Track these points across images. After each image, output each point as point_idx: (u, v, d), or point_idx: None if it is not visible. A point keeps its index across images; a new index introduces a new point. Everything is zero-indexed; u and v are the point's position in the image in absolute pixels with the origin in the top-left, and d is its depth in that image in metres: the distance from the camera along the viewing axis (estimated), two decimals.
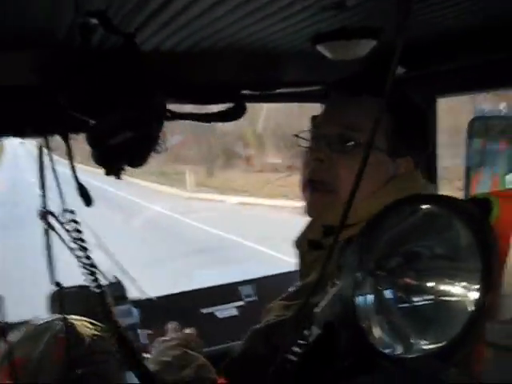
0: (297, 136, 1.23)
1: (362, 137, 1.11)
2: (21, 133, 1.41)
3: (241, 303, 2.09)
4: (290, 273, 2.15)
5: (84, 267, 1.45)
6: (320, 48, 1.31)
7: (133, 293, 1.77)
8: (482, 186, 1.89)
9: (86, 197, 1.25)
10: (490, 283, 0.69)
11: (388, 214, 0.79)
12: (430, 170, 1.72)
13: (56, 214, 1.66)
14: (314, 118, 1.34)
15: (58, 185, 1.36)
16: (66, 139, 1.29)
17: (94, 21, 0.98)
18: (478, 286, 0.70)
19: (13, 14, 1.00)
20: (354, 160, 1.11)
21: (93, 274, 1.44)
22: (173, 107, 1.25)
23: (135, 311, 1.60)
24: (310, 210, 1.18)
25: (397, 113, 1.15)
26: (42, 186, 1.77)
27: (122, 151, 1.13)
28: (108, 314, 1.58)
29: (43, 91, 1.22)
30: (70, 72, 1.13)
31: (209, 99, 1.40)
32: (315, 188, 1.15)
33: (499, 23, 1.25)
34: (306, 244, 1.19)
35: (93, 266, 1.45)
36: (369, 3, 1.07)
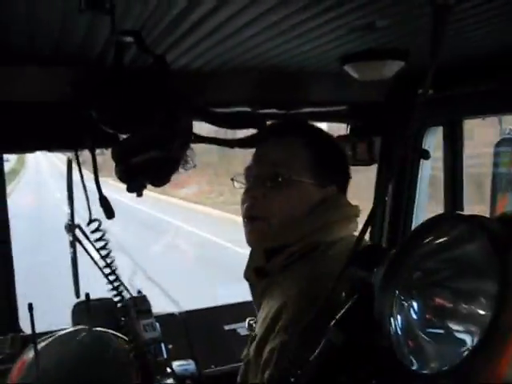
0: (232, 180, 1.35)
1: (288, 172, 1.23)
2: (51, 147, 1.45)
3: None
4: None
5: (108, 280, 1.47)
6: (348, 68, 1.33)
7: (157, 307, 1.79)
8: (508, 209, 1.87)
9: (108, 209, 1.27)
10: (506, 304, 0.69)
11: (419, 234, 0.80)
12: (454, 192, 1.72)
13: (83, 228, 1.70)
14: (340, 138, 1.39)
15: (87, 198, 1.38)
16: (92, 153, 1.32)
17: (129, 39, 1.01)
18: (495, 306, 0.70)
19: (51, 33, 1.04)
20: (283, 192, 1.23)
21: (117, 287, 1.46)
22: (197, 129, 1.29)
23: (158, 326, 1.61)
24: (249, 238, 1.29)
25: (316, 148, 1.27)
26: (70, 200, 1.81)
27: (145, 169, 1.15)
28: (130, 326, 1.60)
29: (74, 106, 1.25)
30: (102, 88, 1.16)
31: (232, 124, 1.43)
32: (251, 220, 1.27)
33: None
34: (253, 274, 1.29)
35: (117, 279, 1.47)
36: (398, 25, 1.08)
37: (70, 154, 1.63)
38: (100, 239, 1.42)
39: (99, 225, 1.40)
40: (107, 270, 1.43)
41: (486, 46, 1.28)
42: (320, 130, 1.34)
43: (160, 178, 1.19)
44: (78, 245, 1.67)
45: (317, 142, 1.28)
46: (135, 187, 1.19)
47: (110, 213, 1.29)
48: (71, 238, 1.73)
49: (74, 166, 1.61)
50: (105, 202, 1.28)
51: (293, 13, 0.97)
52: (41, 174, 28.44)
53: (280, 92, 1.55)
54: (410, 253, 0.76)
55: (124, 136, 1.19)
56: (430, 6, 0.56)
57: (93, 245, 1.68)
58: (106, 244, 1.42)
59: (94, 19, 0.96)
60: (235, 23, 1.02)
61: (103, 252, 1.41)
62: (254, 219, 1.25)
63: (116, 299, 1.52)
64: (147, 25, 1.02)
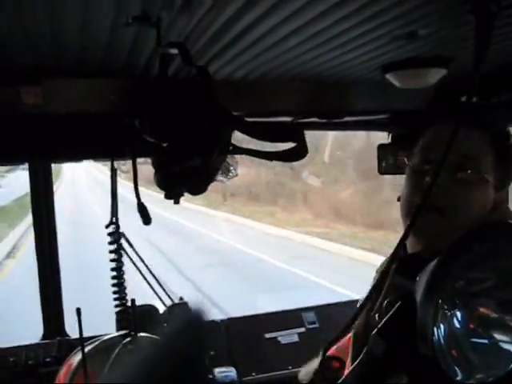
0: (407, 156, 1.23)
1: (477, 167, 1.14)
2: (96, 156, 1.49)
3: (303, 330, 2.09)
4: (349, 302, 2.14)
5: (151, 286, 1.49)
6: (389, 77, 1.32)
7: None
8: None
9: (145, 215, 1.29)
10: None
11: (463, 242, 0.79)
12: None
13: (127, 236, 1.74)
14: (384, 146, 1.33)
15: (116, 204, 1.41)
16: (133, 161, 1.35)
17: (174, 51, 1.04)
18: None
19: (99, 46, 1.08)
20: (468, 188, 1.14)
21: (160, 292, 1.49)
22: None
23: None
24: (421, 234, 1.14)
25: (500, 146, 1.18)
26: (114, 208, 1.85)
27: (184, 178, 1.17)
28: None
29: (119, 117, 1.29)
30: (147, 99, 1.19)
31: (272, 137, 1.42)
32: (427, 210, 1.10)
33: None
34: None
35: (160, 285, 1.50)
36: (440, 32, 1.07)
37: (116, 163, 1.67)
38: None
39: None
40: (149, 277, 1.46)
41: None
42: (504, 128, 1.25)
43: (198, 187, 1.21)
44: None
45: (502, 140, 1.20)
46: (173, 195, 1.21)
47: (146, 219, 1.31)
48: (115, 246, 1.78)
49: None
50: (142, 208, 1.31)
51: (335, 22, 0.97)
52: (78, 187, 27.11)
53: (322, 101, 1.55)
54: (454, 261, 0.75)
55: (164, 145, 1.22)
56: (472, 14, 0.55)
57: (136, 253, 1.72)
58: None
59: (140, 32, 0.99)
60: (278, 33, 1.03)
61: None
62: (431, 210, 1.12)
63: (157, 305, 1.54)
64: (191, 36, 1.04)
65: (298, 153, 1.29)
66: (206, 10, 0.90)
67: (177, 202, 1.23)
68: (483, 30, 0.55)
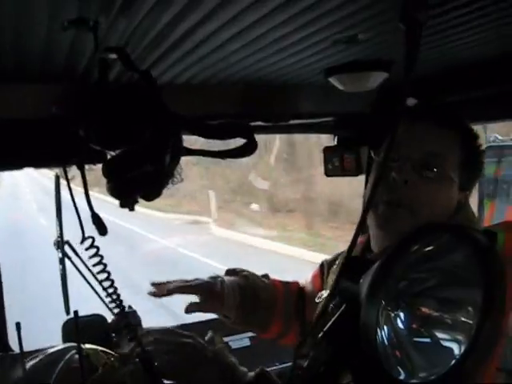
0: (373, 149, 1.23)
1: (443, 165, 1.15)
2: (39, 163, 1.45)
3: (254, 334, 2.09)
4: None
5: (98, 295, 1.45)
6: (332, 80, 1.34)
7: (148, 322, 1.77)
8: (497, 216, 1.89)
9: (100, 226, 1.26)
10: (490, 313, 0.70)
11: (404, 244, 0.80)
12: None
13: (72, 245, 1.69)
14: (330, 148, 1.35)
15: (78, 213, 1.38)
16: (81, 169, 1.32)
17: (113, 56, 1.02)
18: (480, 315, 0.71)
19: (35, 50, 1.04)
20: (434, 186, 1.14)
21: (113, 301, 1.45)
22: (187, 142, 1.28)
23: None
24: (387, 225, 1.16)
25: (467, 147, 1.19)
26: (59, 216, 1.80)
27: (137, 184, 1.15)
28: (120, 343, 1.58)
29: (62, 123, 1.25)
30: (86, 106, 1.16)
31: (221, 135, 1.42)
32: (393, 206, 1.14)
33: (511, 54, 1.26)
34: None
35: (111, 294, 1.45)
36: (380, 37, 1.09)
37: (58, 170, 1.63)
38: (95, 255, 1.41)
39: (93, 241, 1.39)
40: (105, 284, 1.42)
41: (471, 55, 1.30)
42: (472, 129, 1.25)
43: (152, 193, 1.19)
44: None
45: (470, 140, 1.20)
46: (127, 203, 1.19)
47: (102, 229, 1.28)
48: (60, 255, 1.73)
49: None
50: (96, 219, 1.28)
51: (275, 27, 0.98)
52: (20, 194, 26.65)
53: (266, 105, 1.56)
54: (395, 263, 0.76)
55: (112, 152, 1.19)
56: (401, 23, 0.56)
57: (82, 260, 1.68)
58: (101, 259, 1.41)
59: (77, 37, 0.96)
60: (219, 37, 1.03)
61: (99, 267, 1.40)
62: (397, 206, 1.14)
63: (116, 312, 1.50)
64: (131, 40, 1.02)
65: (248, 148, 1.29)
66: (145, 14, 0.89)
67: (132, 209, 1.21)
68: (412, 38, 0.56)
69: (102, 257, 1.40)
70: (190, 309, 1.43)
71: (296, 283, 1.58)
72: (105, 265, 1.40)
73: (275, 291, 1.50)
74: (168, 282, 1.42)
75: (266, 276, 1.56)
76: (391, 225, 1.15)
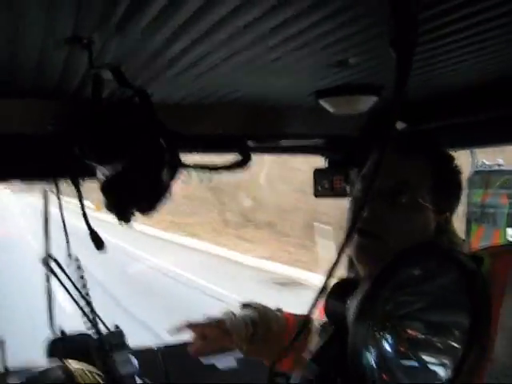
0: (347, 183, 1.24)
1: (413, 192, 1.16)
2: (31, 178, 1.45)
3: (240, 355, 2.07)
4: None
5: (84, 314, 1.45)
6: (323, 103, 1.35)
7: (133, 342, 1.76)
8: (484, 240, 1.90)
9: (98, 241, 1.27)
10: (476, 337, 0.70)
11: (392, 266, 0.80)
12: None
13: (59, 261, 1.68)
14: (320, 170, 1.38)
15: (65, 229, 1.37)
16: (76, 185, 1.32)
17: (107, 74, 1.02)
18: (466, 339, 0.71)
19: (29, 67, 1.05)
20: (404, 214, 1.15)
21: (93, 320, 1.44)
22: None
23: (134, 360, 1.59)
24: (359, 255, 1.18)
25: (438, 169, 1.20)
26: (46, 232, 1.79)
27: (134, 199, 1.15)
28: (105, 361, 1.57)
29: (55, 139, 1.26)
30: (82, 122, 1.17)
31: (216, 149, 1.44)
32: (365, 235, 1.16)
33: (499, 80, 1.29)
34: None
35: (93, 312, 1.45)
36: (371, 61, 1.11)
37: (46, 186, 1.62)
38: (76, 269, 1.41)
39: (76, 258, 1.39)
40: (82, 303, 1.42)
41: (460, 81, 1.32)
42: (443, 151, 1.26)
43: (149, 208, 1.19)
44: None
45: (442, 163, 1.21)
46: (124, 217, 1.19)
47: (99, 244, 1.28)
48: (47, 272, 1.71)
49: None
50: (94, 236, 1.28)
51: (267, 49, 0.99)
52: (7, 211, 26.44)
53: (258, 125, 1.57)
54: (382, 285, 0.76)
55: (104, 170, 1.19)
56: (392, 46, 0.58)
57: (69, 278, 1.67)
58: (82, 276, 1.40)
59: (71, 54, 0.97)
60: (212, 58, 1.04)
61: (78, 284, 1.39)
62: (368, 235, 1.16)
63: (91, 332, 1.49)
64: (126, 58, 1.03)
65: (243, 162, 1.31)
66: (139, 34, 0.89)
67: (128, 222, 1.21)
68: (402, 63, 0.57)
69: (82, 275, 1.40)
70: (197, 352, 1.47)
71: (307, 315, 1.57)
72: (85, 285, 1.40)
73: (286, 324, 1.52)
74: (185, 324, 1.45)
75: (279, 310, 1.58)
76: (364, 255, 1.17)
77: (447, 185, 1.21)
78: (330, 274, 0.80)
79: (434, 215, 1.18)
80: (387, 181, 1.17)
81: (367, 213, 1.16)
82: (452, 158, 1.25)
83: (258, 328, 1.45)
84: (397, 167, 1.19)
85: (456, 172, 1.25)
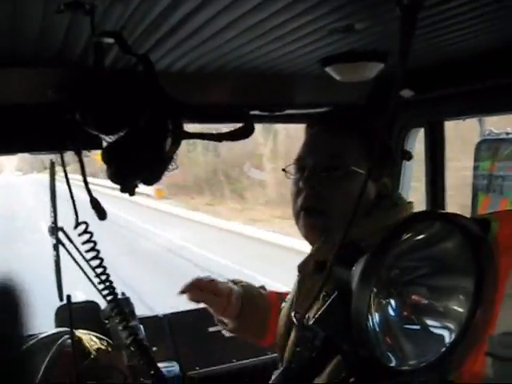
0: (284, 170, 1.33)
1: (347, 164, 1.23)
2: (35, 148, 1.44)
3: None
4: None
5: (100, 280, 1.45)
6: (329, 70, 1.34)
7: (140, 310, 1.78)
8: (491, 210, 1.89)
9: (100, 210, 1.27)
10: (481, 299, 0.71)
11: (396, 232, 0.80)
12: (436, 192, 1.73)
13: (66, 231, 1.69)
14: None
15: (73, 199, 1.38)
16: (79, 155, 1.32)
17: (109, 41, 1.01)
18: (469, 302, 0.72)
19: (31, 34, 1.04)
20: (341, 185, 1.22)
21: (105, 287, 1.45)
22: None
23: (142, 328, 1.61)
24: (307, 232, 1.26)
25: (366, 140, 1.25)
26: (53, 202, 1.79)
27: (137, 170, 1.15)
28: (113, 329, 1.59)
29: (58, 108, 1.25)
30: (84, 90, 1.16)
31: (219, 119, 1.43)
32: (309, 213, 1.24)
33: (506, 47, 1.27)
34: (311, 266, 1.26)
35: (106, 280, 1.45)
36: (377, 27, 1.09)
37: (54, 156, 1.62)
38: (88, 241, 1.41)
39: (86, 227, 1.39)
40: (98, 271, 1.42)
41: (467, 47, 1.30)
42: (369, 122, 1.33)
43: (152, 178, 1.19)
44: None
45: (369, 133, 1.27)
46: (128, 188, 1.19)
47: (101, 214, 1.29)
48: (54, 241, 1.73)
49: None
50: (95, 204, 1.29)
51: (271, 15, 0.97)
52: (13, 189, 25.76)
53: (262, 94, 1.55)
54: (387, 251, 0.77)
55: (108, 139, 1.19)
56: (397, 6, 0.56)
57: (76, 247, 1.68)
58: (94, 245, 1.41)
59: (73, 20, 0.96)
60: (215, 25, 1.03)
61: (92, 253, 1.40)
62: (312, 212, 1.23)
63: (109, 299, 1.50)
64: (128, 25, 1.02)
65: (246, 131, 1.31)
66: (141, 0, 0.88)
67: (132, 194, 1.21)
68: (407, 24, 0.56)
69: (95, 243, 1.40)
70: (194, 296, 1.45)
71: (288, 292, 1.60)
72: (98, 251, 1.41)
73: (270, 301, 1.55)
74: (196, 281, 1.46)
75: (262, 287, 1.63)
76: (312, 231, 1.24)
77: (379, 153, 1.24)
78: (344, 238, 0.81)
79: (371, 183, 1.24)
80: (321, 158, 1.24)
81: (306, 190, 1.23)
82: (379, 131, 1.30)
83: (244, 306, 1.48)
84: (329, 143, 1.27)
85: (385, 144, 1.34)
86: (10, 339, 0.33)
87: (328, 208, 1.21)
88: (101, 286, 1.44)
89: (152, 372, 1.49)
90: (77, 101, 1.15)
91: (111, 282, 1.44)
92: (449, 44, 1.26)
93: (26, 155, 1.57)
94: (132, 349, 1.46)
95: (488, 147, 1.82)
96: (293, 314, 1.01)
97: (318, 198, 1.22)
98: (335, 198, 1.21)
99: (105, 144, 1.20)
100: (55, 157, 1.60)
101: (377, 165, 1.22)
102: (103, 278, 1.42)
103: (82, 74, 1.19)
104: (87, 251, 1.40)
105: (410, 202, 1.29)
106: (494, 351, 0.70)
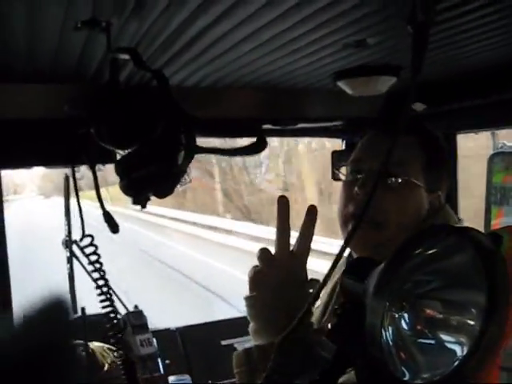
0: (337, 170, 1.25)
1: (406, 172, 1.16)
2: (50, 162, 1.47)
3: None
4: None
5: (103, 294, 1.46)
6: (341, 84, 1.35)
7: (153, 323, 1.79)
8: (506, 223, 1.87)
9: (112, 224, 1.28)
10: (494, 315, 0.71)
11: (408, 246, 0.81)
12: (451, 206, 1.73)
13: (79, 244, 1.70)
14: (338, 152, 1.37)
15: (81, 213, 1.39)
16: (93, 169, 1.33)
17: (125, 57, 1.03)
18: (482, 316, 0.72)
19: (48, 51, 1.06)
20: (398, 195, 1.15)
21: (111, 302, 1.46)
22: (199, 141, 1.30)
23: (155, 341, 1.61)
24: (357, 244, 1.18)
25: (427, 149, 1.20)
26: (67, 216, 1.82)
27: (150, 182, 1.16)
28: (126, 342, 1.59)
29: (73, 123, 1.27)
30: (99, 105, 1.18)
31: (232, 133, 1.44)
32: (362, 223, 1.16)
33: None
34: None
35: (111, 294, 1.46)
36: (389, 41, 1.10)
37: (68, 171, 1.65)
38: (93, 253, 1.42)
39: (92, 239, 1.40)
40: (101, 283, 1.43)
41: (480, 61, 1.31)
42: (431, 131, 1.27)
43: (165, 189, 1.20)
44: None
45: (430, 143, 1.22)
46: (140, 201, 1.20)
47: (114, 227, 1.30)
48: (68, 254, 1.74)
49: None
50: (108, 217, 1.30)
51: (284, 30, 0.99)
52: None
53: (275, 108, 1.57)
54: (400, 264, 0.77)
55: (121, 152, 1.21)
56: (409, 24, 0.57)
57: (89, 260, 1.69)
58: (98, 258, 1.42)
59: (89, 37, 0.98)
60: (230, 39, 1.04)
61: (96, 265, 1.41)
62: (363, 221, 1.15)
63: (108, 312, 1.51)
64: (143, 41, 1.04)
65: (259, 146, 1.32)
66: (157, 16, 0.90)
67: (144, 206, 1.22)
68: (419, 41, 0.57)
69: (99, 256, 1.42)
70: None
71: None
72: (101, 264, 1.42)
73: None
74: None
75: None
76: (357, 241, 1.15)
77: (437, 164, 1.21)
78: (335, 263, 0.81)
79: (426, 195, 1.18)
80: (379, 163, 1.16)
81: (361, 196, 1.15)
82: (437, 138, 1.25)
83: None
84: (385, 150, 1.18)
85: (443, 150, 1.26)
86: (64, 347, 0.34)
87: (381, 220, 1.14)
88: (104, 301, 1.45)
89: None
90: (92, 116, 1.17)
91: (111, 295, 1.45)
92: (462, 58, 1.27)
93: (49, 173, 1.59)
94: (147, 361, 1.46)
95: (501, 160, 1.81)
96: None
97: (372, 207, 1.08)
98: (392, 209, 1.14)
99: (118, 157, 1.21)
100: (69, 171, 1.62)
101: (435, 176, 1.18)
102: (104, 290, 1.43)
103: (98, 90, 1.21)
104: (90, 263, 1.41)
105: (460, 219, 1.22)
106: (508, 365, 0.70)
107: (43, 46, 1.03)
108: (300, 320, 0.78)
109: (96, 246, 1.39)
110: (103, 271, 1.40)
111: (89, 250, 1.41)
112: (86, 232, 1.40)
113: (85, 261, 1.63)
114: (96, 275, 1.39)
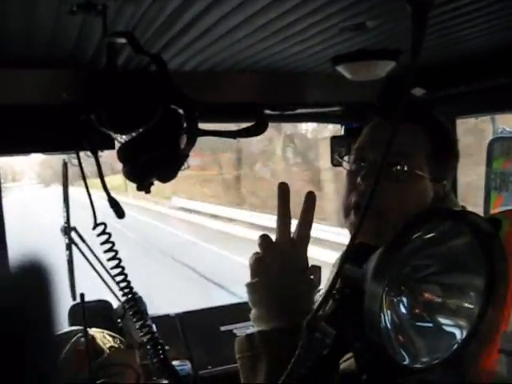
0: (341, 158, 1.23)
1: (410, 163, 1.14)
2: (50, 149, 1.46)
3: None
4: None
5: (115, 281, 1.46)
6: (340, 69, 1.34)
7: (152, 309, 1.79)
8: (504, 208, 1.87)
9: (118, 210, 1.28)
10: (492, 299, 0.71)
11: (407, 230, 0.80)
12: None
13: (78, 231, 1.70)
14: (337, 138, 1.34)
15: (91, 200, 1.39)
16: (95, 155, 1.32)
17: (122, 41, 1.02)
18: (481, 299, 0.72)
19: (43, 35, 1.05)
20: (402, 185, 1.14)
21: (123, 287, 1.46)
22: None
23: (154, 327, 1.62)
24: (356, 228, 1.14)
25: (434, 138, 1.18)
26: (66, 202, 1.81)
27: (153, 167, 1.16)
28: (126, 328, 1.60)
29: (72, 109, 1.26)
30: (95, 91, 1.17)
31: (232, 117, 1.44)
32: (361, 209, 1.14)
33: None
34: None
35: (124, 280, 1.46)
36: (388, 25, 1.09)
37: (66, 157, 1.64)
38: (106, 241, 1.42)
39: (105, 227, 1.40)
40: (115, 271, 1.43)
41: (479, 45, 1.30)
42: (439, 119, 1.23)
43: (168, 174, 1.20)
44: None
45: (437, 132, 1.19)
46: (143, 186, 1.20)
47: (119, 213, 1.30)
48: (67, 241, 1.74)
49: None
50: (114, 203, 1.30)
51: (282, 14, 0.98)
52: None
53: (273, 93, 1.56)
54: (398, 249, 0.77)
55: (120, 137, 1.20)
56: (408, 3, 0.56)
57: (89, 247, 1.69)
58: (112, 245, 1.42)
59: (85, 21, 0.97)
60: (227, 24, 1.03)
61: (110, 254, 1.41)
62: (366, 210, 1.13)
63: (126, 298, 1.50)
64: (140, 25, 1.03)
65: (260, 128, 1.31)
66: (153, 0, 0.89)
67: (148, 192, 1.22)
68: (419, 21, 0.56)
69: (113, 243, 1.41)
70: None
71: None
72: (116, 251, 1.42)
73: None
74: None
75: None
76: (362, 232, 1.12)
77: (443, 153, 1.19)
78: (347, 253, 0.81)
79: (431, 184, 1.16)
80: (382, 153, 1.14)
81: (364, 186, 1.14)
82: (445, 127, 1.23)
83: None
84: (396, 139, 1.15)
85: (452, 140, 1.23)
86: (41, 324, 0.33)
87: (384, 209, 1.12)
88: (117, 286, 1.45)
89: (167, 371, 1.50)
90: (90, 101, 1.16)
91: (129, 282, 1.45)
92: (460, 42, 1.26)
93: (48, 160, 1.58)
94: (148, 347, 1.47)
95: (500, 145, 1.81)
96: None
97: (376, 197, 1.14)
98: (394, 201, 1.13)
99: (117, 144, 1.21)
100: (67, 157, 1.61)
101: (441, 166, 1.17)
102: (121, 278, 1.43)
103: (95, 75, 1.20)
104: (106, 251, 1.41)
105: (463, 207, 1.19)
106: (508, 348, 0.70)
107: (38, 31, 1.02)
108: (325, 299, 0.78)
109: (109, 234, 1.39)
110: (119, 259, 1.40)
111: (103, 238, 1.41)
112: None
113: (83, 247, 1.63)
114: (111, 262, 1.39)
